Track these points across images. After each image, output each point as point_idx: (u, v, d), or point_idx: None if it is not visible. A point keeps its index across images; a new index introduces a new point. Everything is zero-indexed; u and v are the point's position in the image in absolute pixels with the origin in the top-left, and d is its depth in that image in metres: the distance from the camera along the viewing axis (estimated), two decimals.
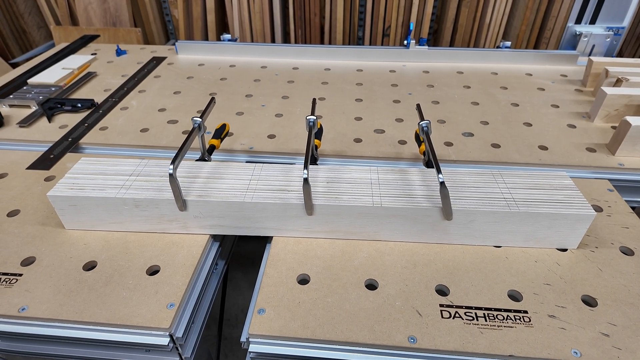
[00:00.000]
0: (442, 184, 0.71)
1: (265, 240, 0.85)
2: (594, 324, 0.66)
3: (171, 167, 0.72)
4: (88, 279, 0.74)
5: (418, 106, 0.92)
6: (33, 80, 1.45)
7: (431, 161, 0.89)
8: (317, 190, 0.80)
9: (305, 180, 0.72)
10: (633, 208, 0.96)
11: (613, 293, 0.72)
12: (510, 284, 0.73)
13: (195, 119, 0.85)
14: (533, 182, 0.82)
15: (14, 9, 2.88)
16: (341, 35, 2.76)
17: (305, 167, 0.73)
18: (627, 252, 0.80)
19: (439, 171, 0.73)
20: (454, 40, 2.77)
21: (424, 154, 0.94)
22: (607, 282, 0.74)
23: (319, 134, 1.01)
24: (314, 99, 0.93)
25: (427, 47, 1.60)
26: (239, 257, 1.93)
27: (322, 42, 2.84)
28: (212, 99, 0.96)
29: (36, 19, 3.02)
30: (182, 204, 0.78)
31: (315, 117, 0.84)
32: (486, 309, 0.69)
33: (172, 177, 0.73)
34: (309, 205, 0.77)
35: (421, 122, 0.85)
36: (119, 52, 1.72)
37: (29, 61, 1.65)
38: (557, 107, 1.31)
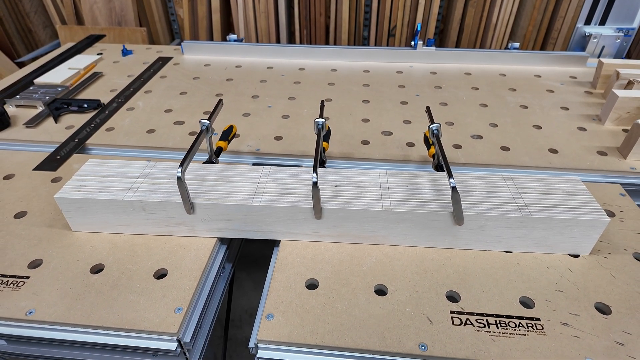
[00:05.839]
0: (453, 188, 0.70)
1: (271, 242, 0.84)
2: (608, 332, 0.65)
3: (179, 170, 0.72)
4: (95, 283, 0.74)
5: (428, 109, 0.91)
6: (39, 80, 1.45)
7: (441, 164, 0.88)
8: (325, 193, 0.79)
9: (315, 184, 0.71)
10: None
11: (627, 300, 0.70)
12: (521, 291, 0.72)
13: (203, 121, 0.84)
14: (545, 186, 0.81)
15: (19, 8, 2.89)
16: (346, 35, 2.74)
17: (315, 170, 0.72)
18: None
19: (450, 175, 0.72)
20: (460, 41, 2.75)
21: (433, 156, 0.93)
22: (621, 289, 0.73)
23: (326, 136, 1.00)
24: (322, 102, 0.92)
25: (434, 48, 1.59)
26: (242, 257, 1.92)
27: (327, 41, 2.83)
28: (220, 101, 0.95)
29: (42, 18, 3.02)
30: (189, 207, 0.77)
31: (324, 120, 0.83)
32: (498, 315, 0.68)
33: (180, 180, 0.72)
34: (317, 209, 0.76)
35: (431, 125, 0.84)
36: (125, 52, 1.71)
37: (35, 61, 1.65)
38: (567, 109, 1.29)
